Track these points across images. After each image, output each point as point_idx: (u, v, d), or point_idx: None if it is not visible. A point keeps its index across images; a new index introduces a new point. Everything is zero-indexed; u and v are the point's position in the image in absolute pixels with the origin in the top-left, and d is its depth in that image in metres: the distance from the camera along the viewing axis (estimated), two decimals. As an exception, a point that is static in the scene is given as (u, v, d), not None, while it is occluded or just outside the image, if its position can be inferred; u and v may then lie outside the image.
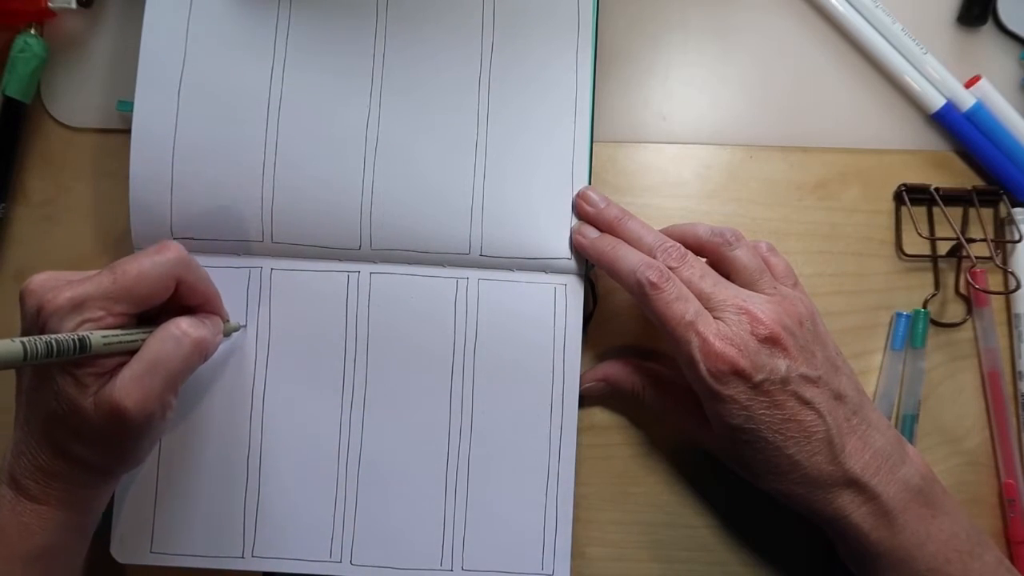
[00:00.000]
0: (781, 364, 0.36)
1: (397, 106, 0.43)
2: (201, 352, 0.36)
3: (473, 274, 0.42)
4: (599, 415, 0.44)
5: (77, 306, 0.33)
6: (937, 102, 0.45)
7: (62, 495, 0.35)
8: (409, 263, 0.42)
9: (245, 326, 0.42)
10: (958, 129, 0.45)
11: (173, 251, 0.36)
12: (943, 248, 0.45)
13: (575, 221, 0.42)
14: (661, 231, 0.40)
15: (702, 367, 0.36)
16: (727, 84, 0.46)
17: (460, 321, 0.42)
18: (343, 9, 0.44)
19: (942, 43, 0.46)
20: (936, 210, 0.45)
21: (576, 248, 0.42)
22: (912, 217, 0.44)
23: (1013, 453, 0.43)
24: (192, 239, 0.42)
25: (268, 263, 0.42)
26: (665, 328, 0.37)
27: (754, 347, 0.36)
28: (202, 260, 0.42)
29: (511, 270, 0.42)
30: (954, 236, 0.44)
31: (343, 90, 0.43)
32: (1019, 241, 0.44)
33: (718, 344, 0.36)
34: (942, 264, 0.45)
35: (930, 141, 0.46)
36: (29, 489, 0.35)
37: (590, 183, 0.42)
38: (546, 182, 0.42)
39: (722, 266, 0.39)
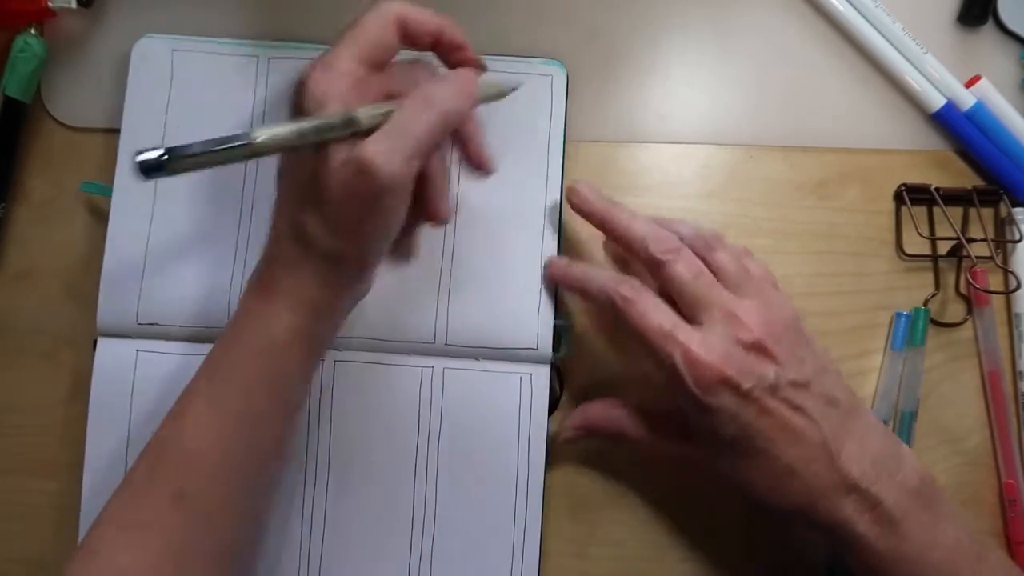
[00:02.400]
0: (769, 371, 0.35)
1: None
2: (453, 118, 0.35)
3: (438, 363, 0.42)
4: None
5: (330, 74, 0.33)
6: (937, 102, 0.45)
7: (299, 292, 0.35)
8: (374, 351, 0.42)
9: (517, 87, 0.39)
10: (958, 129, 0.45)
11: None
12: (943, 248, 0.45)
13: (543, 310, 0.42)
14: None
15: (688, 379, 0.35)
16: (727, 84, 0.46)
17: (424, 410, 0.42)
18: None
19: (942, 43, 0.46)
20: (936, 210, 0.45)
21: (549, 280, 0.42)
22: (912, 217, 0.44)
23: (1013, 453, 0.43)
24: (156, 325, 0.42)
25: None
26: (645, 341, 0.36)
27: (740, 355, 0.35)
28: (163, 347, 0.42)
29: (476, 359, 0.42)
30: (954, 236, 0.44)
31: None
32: (1019, 241, 0.44)
33: (702, 354, 0.35)
34: (942, 264, 0.45)
35: (930, 141, 0.46)
36: (269, 286, 0.36)
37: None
38: (513, 272, 0.42)
39: None
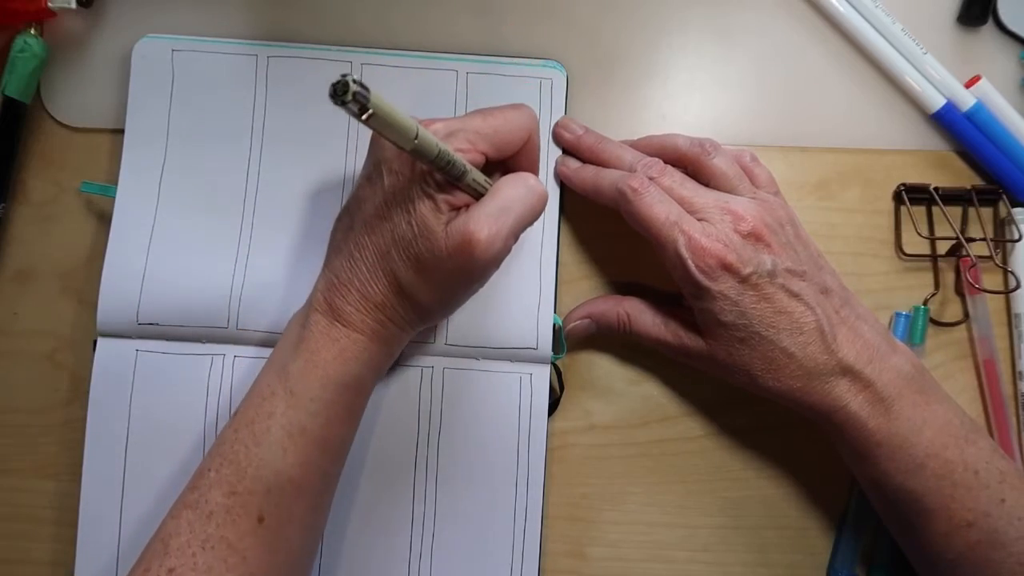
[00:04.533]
0: (766, 259, 0.37)
1: None
2: (541, 208, 0.36)
3: (438, 362, 0.42)
4: (599, 415, 0.44)
5: (449, 134, 0.34)
6: (937, 102, 0.45)
7: (377, 327, 0.36)
8: None
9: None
10: (958, 129, 0.45)
11: (529, 108, 0.37)
12: (943, 248, 0.45)
13: (542, 310, 0.42)
14: (640, 140, 0.42)
15: (691, 264, 0.36)
16: (727, 84, 0.46)
17: (424, 410, 0.42)
18: (316, 104, 0.44)
19: (942, 43, 0.46)
20: (936, 210, 0.45)
21: (559, 178, 0.43)
22: (912, 217, 0.44)
23: (1012, 443, 0.43)
24: (156, 325, 0.42)
25: (231, 350, 0.42)
26: (650, 232, 0.38)
27: (739, 242, 0.37)
28: (163, 347, 0.42)
29: (476, 359, 0.42)
30: (954, 236, 0.44)
31: (315, 183, 0.43)
32: (1018, 240, 0.44)
33: (704, 240, 0.37)
34: (942, 264, 0.45)
35: (930, 141, 0.46)
36: (349, 317, 0.36)
37: (557, 274, 0.43)
38: (514, 273, 0.42)
39: (702, 175, 0.40)
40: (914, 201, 0.45)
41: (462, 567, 0.41)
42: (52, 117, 0.46)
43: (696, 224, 0.37)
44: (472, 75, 0.44)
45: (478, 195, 0.35)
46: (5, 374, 0.44)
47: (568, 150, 0.43)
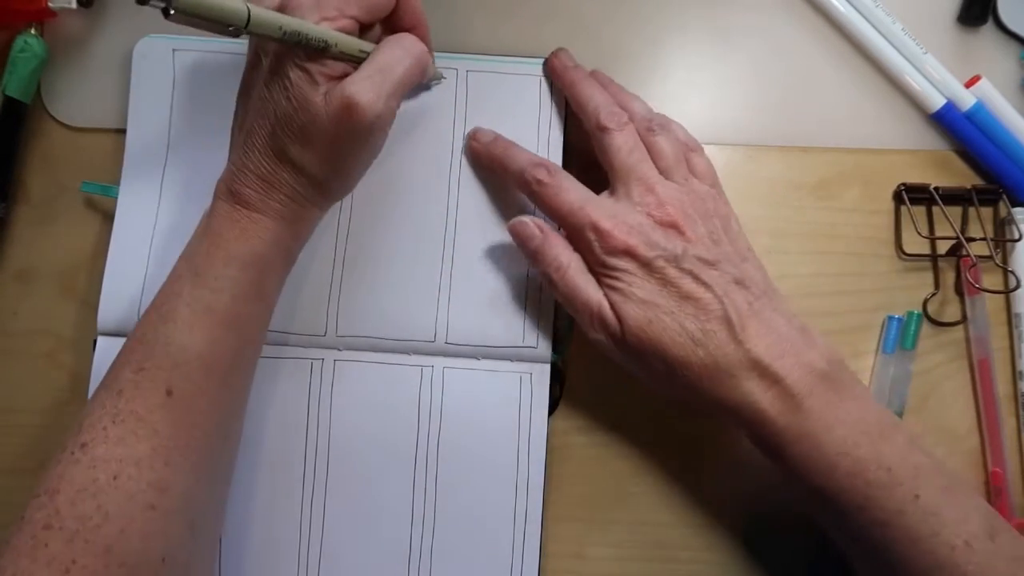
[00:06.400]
0: (677, 245, 0.37)
1: (368, 197, 0.43)
2: (422, 67, 0.38)
3: (438, 362, 0.42)
4: (599, 415, 0.44)
5: (316, 4, 0.35)
6: (937, 102, 0.45)
7: (278, 207, 0.37)
8: (374, 350, 0.42)
9: (445, 78, 0.44)
10: (958, 129, 0.45)
11: None
12: (943, 247, 0.45)
13: (543, 310, 0.42)
14: (610, 86, 0.42)
15: (596, 247, 0.37)
16: (727, 84, 0.46)
17: (424, 409, 0.42)
18: None
19: (942, 43, 0.46)
20: (936, 209, 0.45)
21: (467, 153, 0.43)
22: (912, 217, 0.44)
23: (1001, 442, 0.43)
24: None
25: None
26: (559, 220, 0.39)
27: (648, 226, 0.37)
28: None
29: (476, 358, 0.42)
30: (954, 235, 0.44)
31: None
32: (1019, 240, 0.44)
33: (607, 223, 0.37)
34: (942, 263, 0.45)
35: (930, 141, 0.46)
36: (249, 198, 0.37)
37: None
38: (513, 271, 0.43)
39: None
40: (914, 201, 0.45)
41: (462, 567, 0.41)
42: (52, 117, 0.46)
43: (602, 206, 0.38)
44: (472, 73, 0.44)
45: (359, 63, 0.36)
46: (5, 374, 0.44)
47: (555, 79, 0.44)
